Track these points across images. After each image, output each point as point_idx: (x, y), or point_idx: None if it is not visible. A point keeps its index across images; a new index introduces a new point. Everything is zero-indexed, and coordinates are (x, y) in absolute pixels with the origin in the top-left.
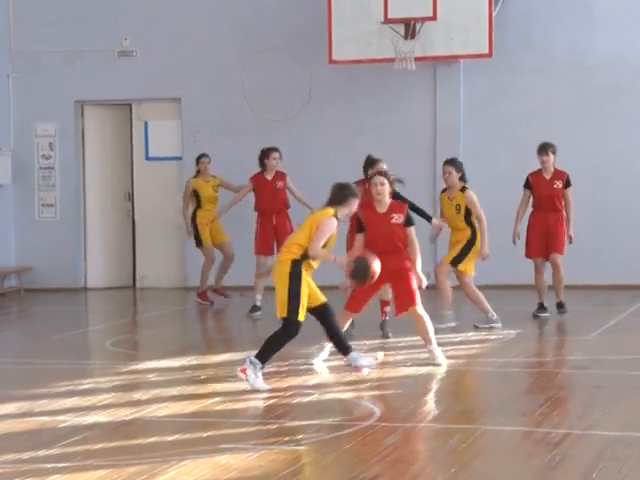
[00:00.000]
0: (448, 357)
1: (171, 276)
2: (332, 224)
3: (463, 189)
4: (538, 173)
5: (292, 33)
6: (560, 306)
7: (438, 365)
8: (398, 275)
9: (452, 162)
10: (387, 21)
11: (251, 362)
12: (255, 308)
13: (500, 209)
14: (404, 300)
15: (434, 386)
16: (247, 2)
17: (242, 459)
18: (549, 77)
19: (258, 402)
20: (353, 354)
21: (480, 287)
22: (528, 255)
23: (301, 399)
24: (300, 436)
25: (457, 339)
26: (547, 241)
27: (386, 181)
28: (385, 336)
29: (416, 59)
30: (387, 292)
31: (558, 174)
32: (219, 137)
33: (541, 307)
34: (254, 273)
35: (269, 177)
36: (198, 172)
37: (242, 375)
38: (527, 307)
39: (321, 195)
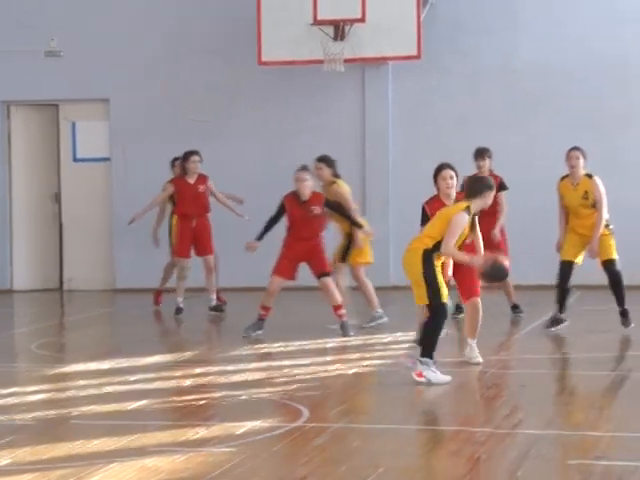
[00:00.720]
0: (377, 357)
1: (99, 278)
2: (462, 220)
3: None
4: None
5: (221, 34)
6: (515, 307)
7: (477, 364)
8: (460, 266)
9: (321, 158)
10: (316, 22)
11: (422, 363)
12: (178, 310)
13: None
14: (466, 290)
15: (362, 386)
16: (175, 2)
17: (170, 462)
18: (476, 80)
19: (186, 404)
20: (426, 360)
21: (403, 287)
22: None
23: (230, 400)
24: (228, 438)
25: (386, 339)
26: (485, 246)
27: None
28: (346, 335)
29: (345, 61)
30: (331, 299)
31: (492, 178)
32: (148, 138)
33: (458, 308)
34: (176, 275)
35: (191, 180)
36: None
37: (420, 379)
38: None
39: (251, 197)
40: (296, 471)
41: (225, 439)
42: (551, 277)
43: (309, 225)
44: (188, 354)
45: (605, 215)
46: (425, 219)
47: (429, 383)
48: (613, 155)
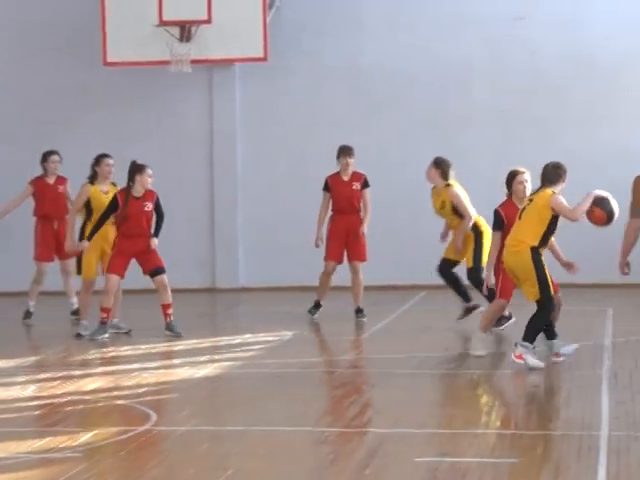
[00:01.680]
0: (225, 359)
1: None
2: (562, 199)
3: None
4: (336, 175)
5: (66, 33)
6: (359, 311)
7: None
8: None
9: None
10: (162, 23)
11: (522, 345)
12: (28, 314)
13: (278, 212)
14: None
15: (210, 390)
16: (18, 1)
17: (14, 469)
18: (322, 81)
19: (31, 410)
20: (556, 341)
21: (252, 289)
22: (328, 258)
23: (76, 405)
24: (75, 443)
25: (235, 341)
26: (347, 245)
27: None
28: (177, 335)
29: (192, 62)
30: (165, 297)
31: (356, 176)
32: None
33: (317, 305)
34: (31, 278)
35: (50, 181)
36: None
37: (519, 360)
38: (300, 308)
39: None
40: (144, 475)
41: (71, 445)
42: (395, 277)
43: (140, 221)
44: (33, 359)
45: (469, 223)
46: (500, 223)
47: (526, 366)
48: (457, 156)
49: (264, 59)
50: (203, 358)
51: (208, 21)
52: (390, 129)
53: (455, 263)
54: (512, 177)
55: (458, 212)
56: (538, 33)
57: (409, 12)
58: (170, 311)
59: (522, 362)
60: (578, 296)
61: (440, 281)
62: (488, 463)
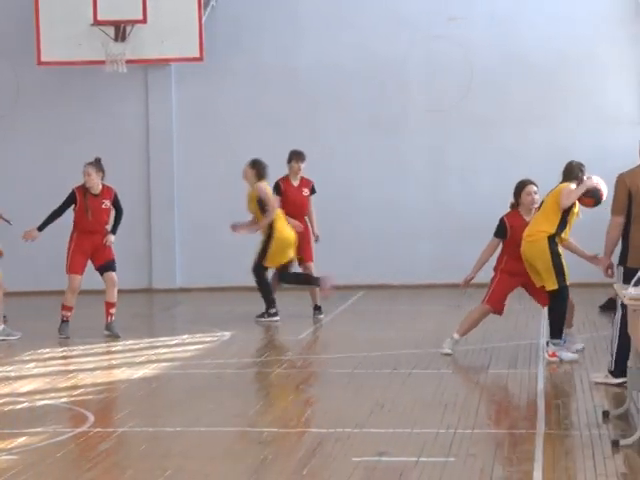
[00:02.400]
0: (163, 360)
1: None
2: (572, 188)
3: None
4: (287, 179)
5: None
6: (317, 308)
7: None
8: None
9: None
10: (97, 22)
11: (553, 344)
12: None
13: (215, 212)
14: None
15: (148, 390)
16: None
17: None
18: (259, 80)
19: None
20: (557, 340)
21: (189, 289)
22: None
23: (12, 407)
24: (11, 445)
25: (173, 341)
26: (298, 248)
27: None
28: (116, 336)
29: (127, 62)
30: (112, 294)
31: (305, 181)
32: None
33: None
34: None
35: None
36: None
37: (554, 358)
38: (238, 308)
39: (35, 199)
40: (82, 477)
41: (7, 447)
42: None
43: (97, 218)
44: None
45: (268, 219)
46: (502, 231)
47: (561, 362)
48: (395, 155)
49: (200, 59)
50: (141, 359)
51: (143, 21)
52: (328, 128)
53: (285, 266)
54: (521, 188)
55: (264, 210)
56: (475, 33)
57: (347, 10)
58: (113, 311)
59: (557, 359)
60: (521, 295)
61: (379, 280)
62: (425, 462)
